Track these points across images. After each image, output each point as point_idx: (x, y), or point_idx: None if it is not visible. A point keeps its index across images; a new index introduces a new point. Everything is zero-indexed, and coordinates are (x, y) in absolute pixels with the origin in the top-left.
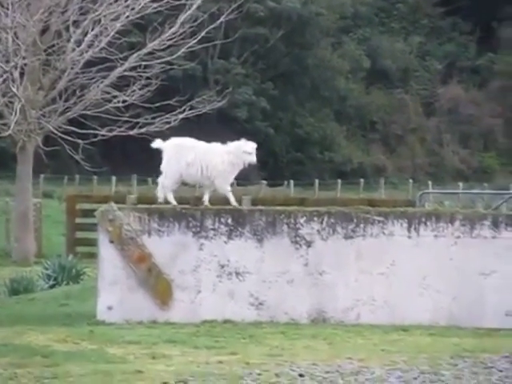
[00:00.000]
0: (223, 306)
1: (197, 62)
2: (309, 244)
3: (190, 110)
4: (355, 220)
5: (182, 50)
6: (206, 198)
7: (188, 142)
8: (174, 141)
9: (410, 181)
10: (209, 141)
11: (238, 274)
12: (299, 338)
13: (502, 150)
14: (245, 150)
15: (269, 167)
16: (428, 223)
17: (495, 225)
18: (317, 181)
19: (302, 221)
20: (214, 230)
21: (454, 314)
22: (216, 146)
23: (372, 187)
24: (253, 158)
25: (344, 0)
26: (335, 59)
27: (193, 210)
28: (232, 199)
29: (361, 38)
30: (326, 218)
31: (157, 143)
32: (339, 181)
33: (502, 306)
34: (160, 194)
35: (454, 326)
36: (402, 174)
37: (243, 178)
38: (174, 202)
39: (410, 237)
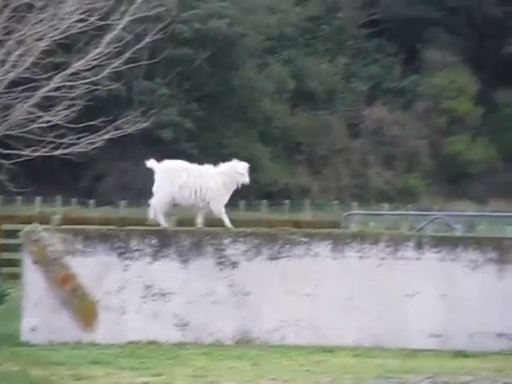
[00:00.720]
0: (148, 327)
1: (122, 83)
2: (234, 265)
3: (114, 130)
4: (280, 241)
5: (107, 70)
6: (199, 221)
7: (180, 164)
8: (167, 163)
9: (335, 202)
10: (134, 161)
11: (162, 295)
12: (224, 358)
13: (427, 171)
14: (238, 171)
15: None
16: (353, 244)
17: (419, 246)
18: (242, 202)
19: (227, 242)
20: (138, 250)
21: (379, 335)
22: (209, 168)
23: (297, 208)
24: (245, 179)
25: (270, 21)
26: (261, 80)
27: (117, 231)
28: (226, 221)
29: (286, 59)
30: (251, 239)
31: (150, 163)
32: (265, 202)
33: (426, 326)
34: (151, 214)
35: (378, 346)
36: (327, 195)
37: None
38: (165, 224)
39: (335, 258)
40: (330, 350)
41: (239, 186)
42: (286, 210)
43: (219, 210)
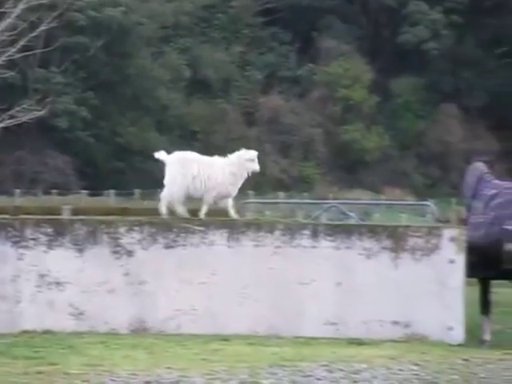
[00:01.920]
0: (43, 316)
1: (16, 71)
2: (129, 254)
3: (9, 119)
4: (176, 230)
5: (2, 58)
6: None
7: (191, 155)
8: (179, 154)
9: None
10: (30, 150)
11: (58, 284)
12: (119, 347)
13: (322, 159)
14: (247, 158)
15: (89, 176)
16: (248, 233)
17: (315, 234)
18: (138, 190)
19: (122, 230)
20: (33, 239)
21: (274, 323)
22: (218, 159)
23: None
24: (256, 166)
25: (165, 9)
26: (156, 69)
27: (12, 220)
28: (204, 211)
29: (182, 47)
30: (146, 228)
31: (160, 154)
32: (159, 190)
33: (321, 314)
34: (163, 208)
35: (273, 335)
36: None
37: (62, 188)
38: (187, 215)
39: (230, 246)
40: (225, 339)
41: (249, 174)
42: None
43: (210, 200)
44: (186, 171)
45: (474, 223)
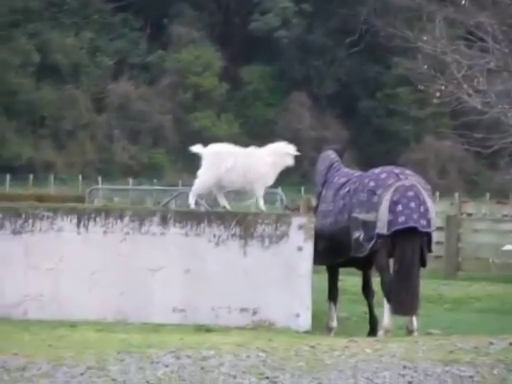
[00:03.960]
0: None
1: None
2: None
3: None
4: (24, 215)
5: None
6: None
7: (227, 147)
8: (214, 147)
9: (80, 177)
10: None
11: None
12: None
13: (171, 146)
14: (287, 152)
15: None
16: (97, 219)
17: (164, 221)
18: None
19: None
20: None
21: (122, 310)
22: (257, 149)
23: (41, 183)
24: (291, 161)
25: None
26: (5, 53)
27: None
28: (261, 203)
29: (31, 32)
30: None
31: (196, 148)
32: (8, 176)
33: (169, 301)
34: (191, 199)
35: (121, 321)
36: (71, 169)
37: None
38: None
39: (79, 233)
40: (72, 325)
41: (284, 168)
42: (29, 185)
43: (261, 191)
44: (219, 163)
45: (323, 211)
